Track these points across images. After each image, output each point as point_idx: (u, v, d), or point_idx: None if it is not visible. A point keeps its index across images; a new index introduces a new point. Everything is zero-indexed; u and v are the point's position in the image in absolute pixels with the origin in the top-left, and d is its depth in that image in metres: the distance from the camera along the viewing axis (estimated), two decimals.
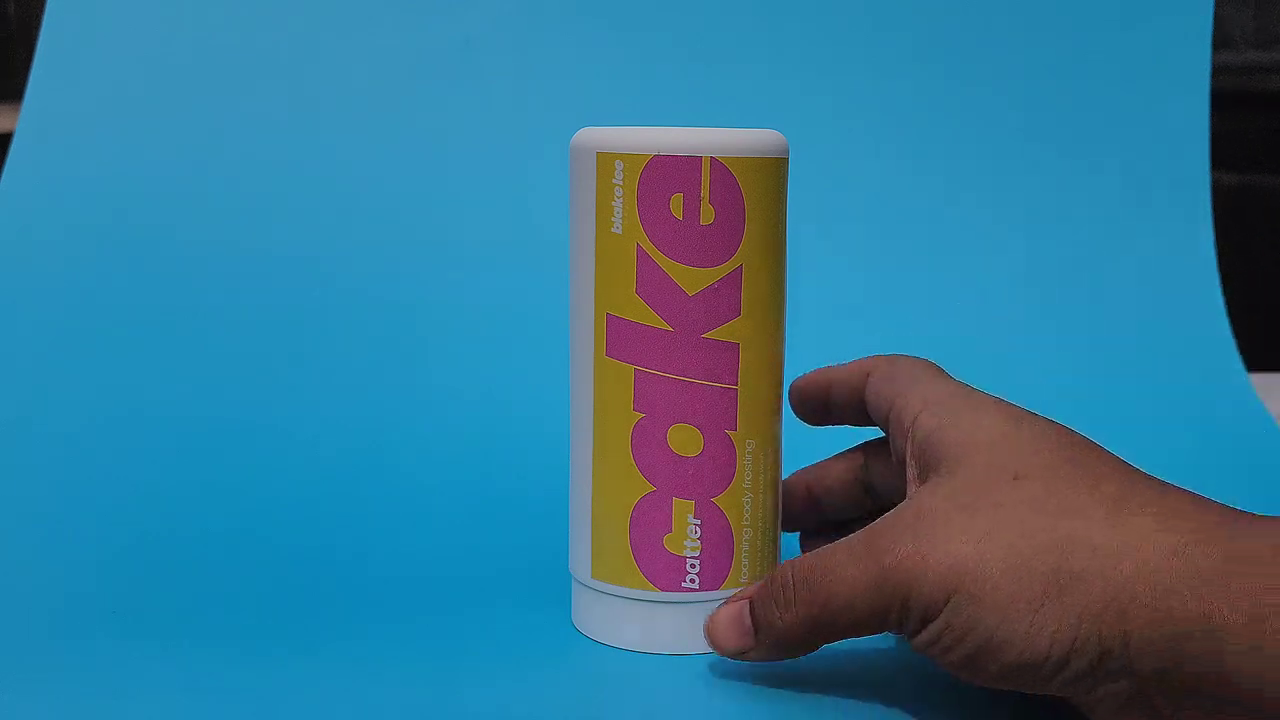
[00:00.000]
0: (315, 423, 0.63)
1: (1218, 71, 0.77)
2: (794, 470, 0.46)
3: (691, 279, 0.39)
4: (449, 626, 0.43)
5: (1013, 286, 0.73)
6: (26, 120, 0.72)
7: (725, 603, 0.39)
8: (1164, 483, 0.35)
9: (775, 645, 0.37)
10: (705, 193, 0.39)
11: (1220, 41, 0.85)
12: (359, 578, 0.48)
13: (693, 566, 0.41)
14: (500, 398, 0.66)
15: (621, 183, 0.39)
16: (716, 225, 0.39)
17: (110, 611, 0.44)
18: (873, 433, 0.45)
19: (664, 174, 0.39)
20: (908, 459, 0.39)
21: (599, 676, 0.40)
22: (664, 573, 0.41)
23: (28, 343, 0.66)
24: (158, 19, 0.74)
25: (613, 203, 0.40)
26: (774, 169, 0.40)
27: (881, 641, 0.43)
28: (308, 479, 0.58)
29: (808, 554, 0.37)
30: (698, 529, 0.40)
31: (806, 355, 0.70)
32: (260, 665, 0.40)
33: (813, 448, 0.63)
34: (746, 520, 0.41)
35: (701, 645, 0.41)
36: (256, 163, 0.72)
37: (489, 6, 0.75)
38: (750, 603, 0.38)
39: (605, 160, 0.40)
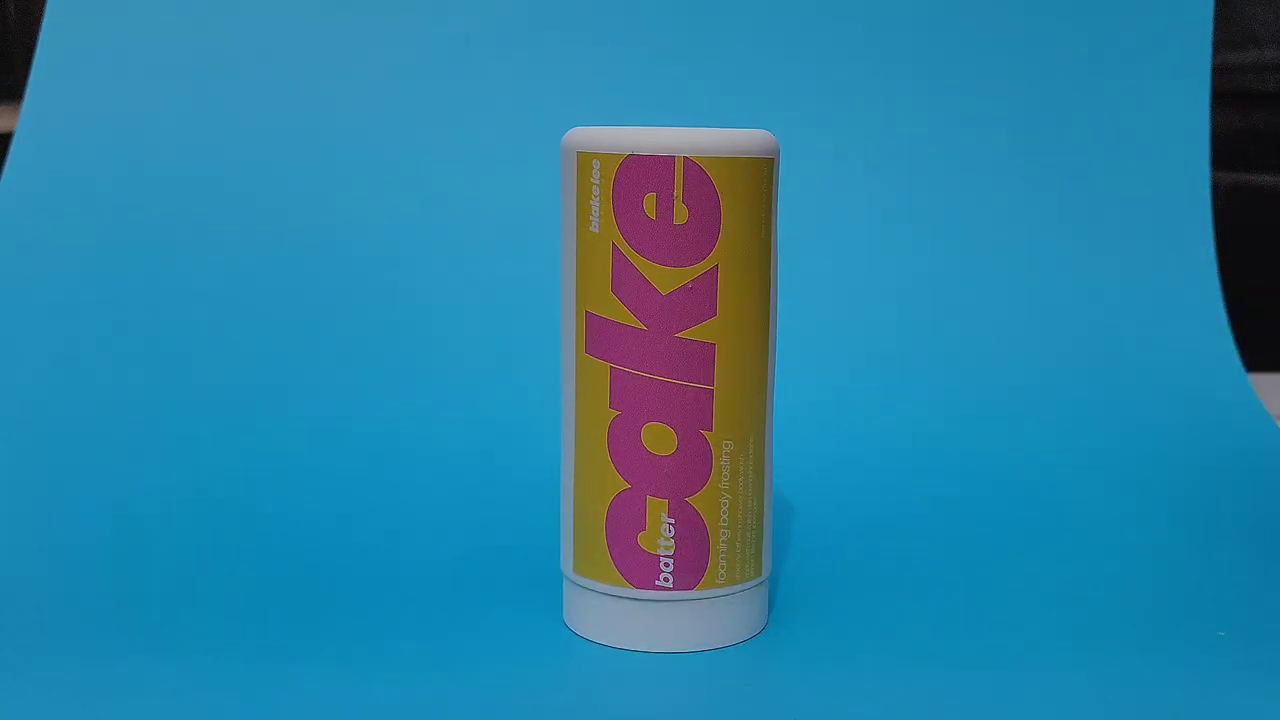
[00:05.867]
0: (314, 420, 0.64)
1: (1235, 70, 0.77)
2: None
3: (665, 278, 0.39)
4: (445, 621, 0.44)
5: (1011, 286, 0.73)
6: (26, 120, 0.73)
7: None
8: None
9: None
10: (678, 192, 0.39)
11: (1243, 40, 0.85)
12: (358, 575, 0.48)
13: (666, 565, 0.41)
14: (501, 394, 0.66)
15: (598, 182, 0.40)
16: (690, 225, 0.39)
17: (111, 611, 0.44)
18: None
19: (638, 173, 0.39)
20: None
21: (578, 671, 0.40)
22: (638, 570, 0.41)
23: (27, 343, 0.67)
24: (158, 19, 0.74)
25: (590, 201, 0.40)
26: (754, 169, 0.40)
27: (868, 639, 0.43)
28: (306, 477, 0.58)
29: None
30: (671, 528, 0.40)
31: (803, 357, 0.70)
32: (254, 665, 0.40)
33: (805, 450, 0.64)
34: (724, 521, 0.41)
35: (675, 643, 0.41)
36: (255, 161, 0.72)
37: (493, 4, 0.75)
38: None
39: (584, 159, 0.40)
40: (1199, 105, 0.76)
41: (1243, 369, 0.71)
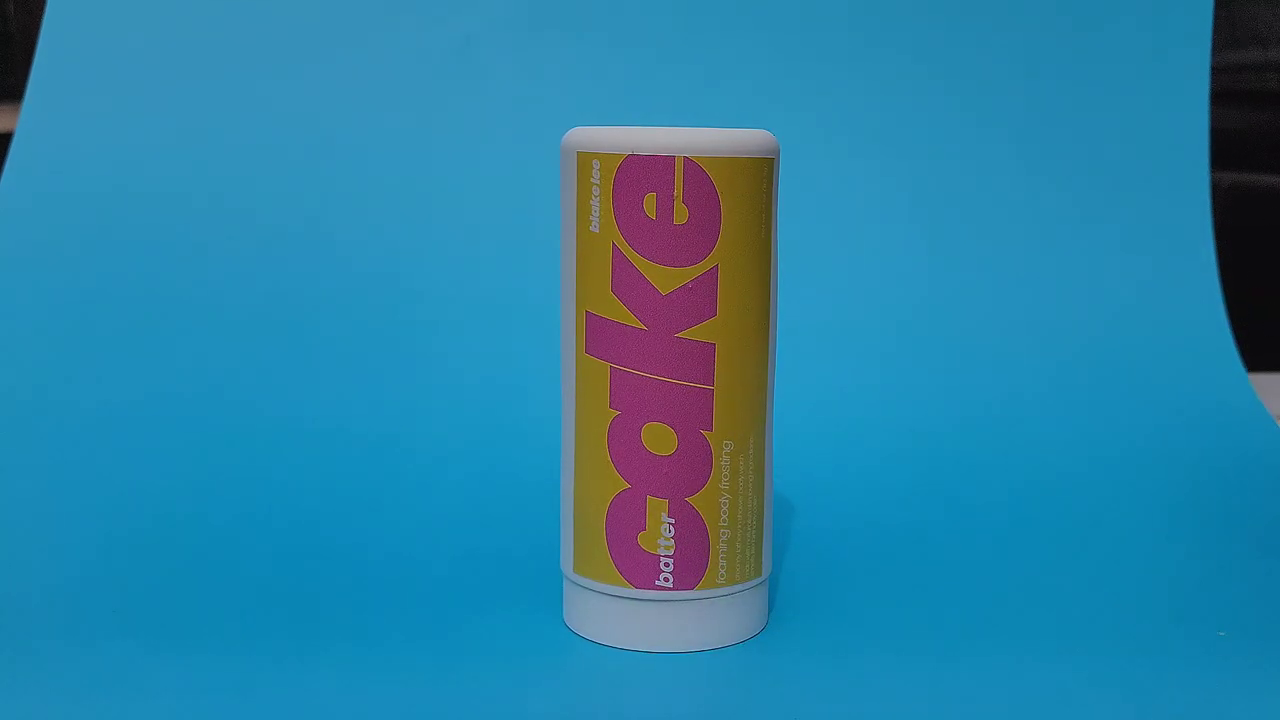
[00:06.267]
0: (313, 421, 0.64)
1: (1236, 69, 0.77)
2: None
3: (665, 278, 0.39)
4: (445, 621, 0.44)
5: (1012, 287, 0.73)
6: (26, 120, 0.73)
7: None
8: None
9: None
10: (678, 192, 0.39)
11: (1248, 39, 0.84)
12: (359, 575, 0.48)
13: (666, 565, 0.41)
14: (501, 394, 0.66)
15: (599, 182, 0.40)
16: (690, 225, 0.39)
17: (110, 611, 0.44)
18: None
19: (638, 173, 0.39)
20: None
21: (578, 671, 0.40)
22: (638, 570, 0.41)
23: (27, 342, 0.67)
24: (158, 19, 0.74)
25: (591, 201, 0.40)
26: (754, 169, 0.40)
27: (868, 639, 0.43)
28: (303, 476, 0.58)
29: None
30: (671, 528, 0.40)
31: (803, 357, 0.70)
32: (254, 664, 0.40)
33: (803, 451, 0.64)
34: (724, 521, 0.41)
35: (675, 643, 0.41)
36: (255, 161, 0.72)
37: (492, 4, 0.75)
38: None
39: (584, 160, 0.40)
40: (1199, 105, 0.76)
41: (1243, 369, 0.71)
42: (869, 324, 0.71)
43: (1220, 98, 0.79)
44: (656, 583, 0.41)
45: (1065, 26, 0.77)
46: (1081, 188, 0.75)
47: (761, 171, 0.40)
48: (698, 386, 0.40)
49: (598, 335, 0.40)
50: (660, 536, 0.41)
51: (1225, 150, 1.05)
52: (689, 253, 0.39)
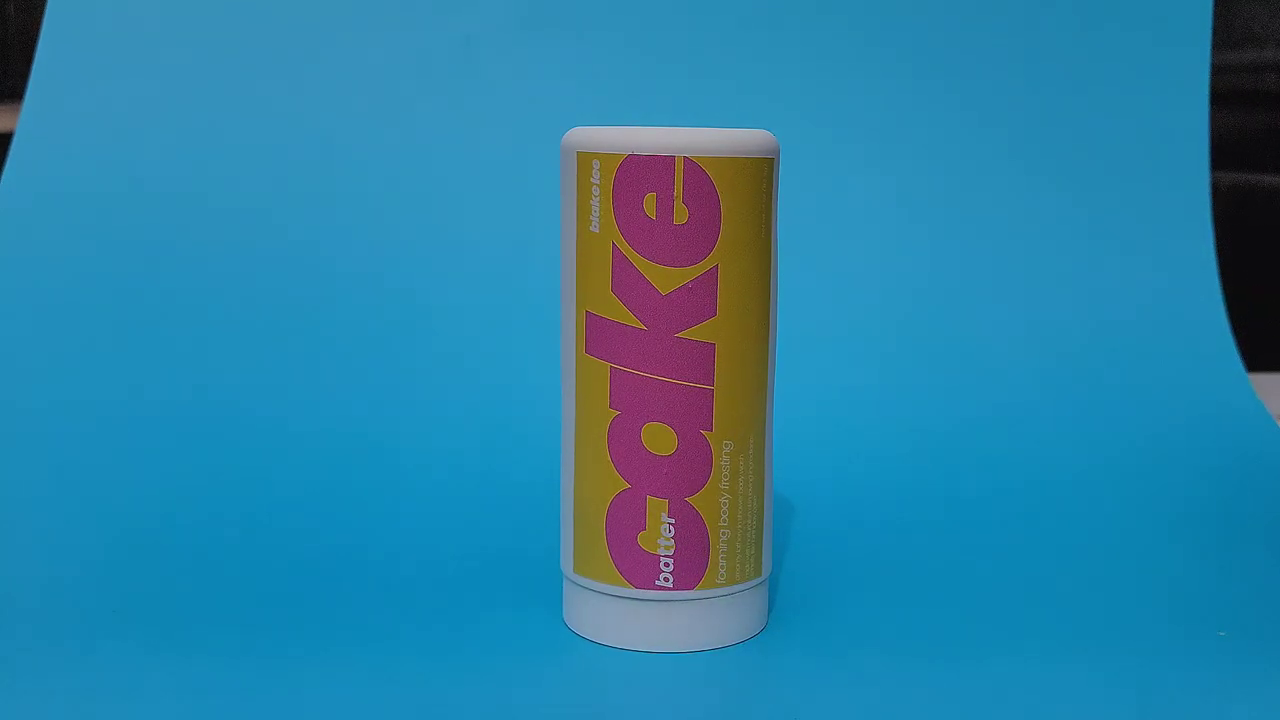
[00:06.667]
0: (312, 421, 0.64)
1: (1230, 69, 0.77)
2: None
3: (665, 278, 0.39)
4: (445, 621, 0.44)
5: (1011, 287, 0.73)
6: (26, 120, 0.73)
7: None
8: None
9: None
10: (678, 192, 0.39)
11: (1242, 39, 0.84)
12: (358, 575, 0.48)
13: (666, 565, 0.41)
14: (501, 394, 0.66)
15: (599, 182, 0.40)
16: (690, 225, 0.39)
17: (110, 611, 0.44)
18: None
19: (638, 173, 0.39)
20: None
21: (578, 671, 0.40)
22: (638, 570, 0.41)
23: (27, 342, 0.67)
24: (158, 19, 0.74)
25: (591, 201, 0.40)
26: (754, 169, 0.40)
27: (868, 639, 0.43)
28: (303, 477, 0.58)
29: None
30: (671, 528, 0.40)
31: (803, 357, 0.70)
32: (254, 665, 0.40)
33: (802, 451, 0.64)
34: (724, 521, 0.41)
35: (675, 643, 0.41)
36: (255, 162, 0.72)
37: (492, 4, 0.75)
38: None
39: (584, 159, 0.40)
40: (1199, 105, 0.76)
41: (1243, 369, 0.71)
42: (869, 324, 0.71)
43: (1220, 98, 0.79)
44: (656, 583, 0.41)
45: (1065, 26, 0.77)
46: (1081, 188, 0.75)
47: (761, 171, 0.40)
48: (698, 386, 0.40)
49: (598, 335, 0.40)
50: (660, 536, 0.41)
51: (1225, 150, 1.05)
52: (689, 253, 0.39)
